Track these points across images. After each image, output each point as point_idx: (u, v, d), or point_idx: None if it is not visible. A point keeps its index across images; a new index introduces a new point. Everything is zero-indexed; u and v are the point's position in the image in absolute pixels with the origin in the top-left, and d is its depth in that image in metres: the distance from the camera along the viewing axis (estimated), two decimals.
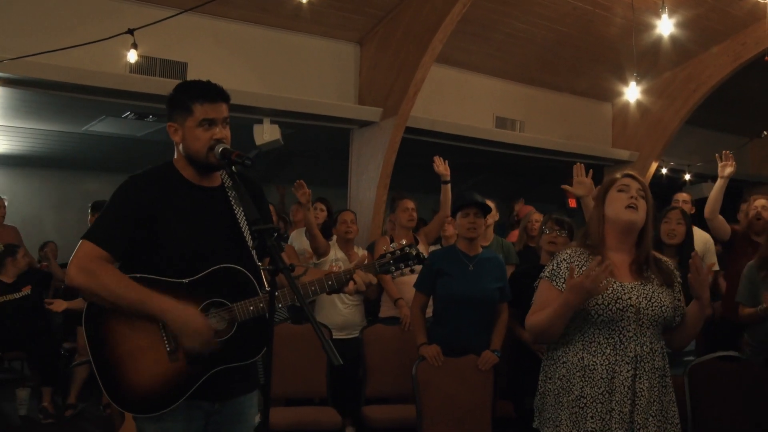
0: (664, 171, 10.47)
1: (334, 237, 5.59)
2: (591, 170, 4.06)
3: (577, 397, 2.69)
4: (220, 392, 2.48)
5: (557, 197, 14.01)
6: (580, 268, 2.74)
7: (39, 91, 6.47)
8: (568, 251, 2.86)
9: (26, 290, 6.28)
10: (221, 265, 2.44)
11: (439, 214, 5.57)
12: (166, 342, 2.38)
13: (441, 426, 4.06)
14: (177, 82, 6.90)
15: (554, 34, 8.28)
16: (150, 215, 2.42)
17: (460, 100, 8.92)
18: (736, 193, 6.06)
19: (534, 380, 4.07)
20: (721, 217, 5.19)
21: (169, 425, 2.41)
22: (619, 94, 9.77)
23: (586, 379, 2.69)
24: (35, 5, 6.27)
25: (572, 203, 14.23)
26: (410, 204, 5.56)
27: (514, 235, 7.12)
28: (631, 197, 2.77)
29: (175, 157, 2.59)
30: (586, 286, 2.54)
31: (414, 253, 2.61)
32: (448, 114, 8.65)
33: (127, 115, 7.78)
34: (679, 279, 2.85)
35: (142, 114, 7.68)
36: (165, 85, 6.50)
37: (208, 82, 2.52)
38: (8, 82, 5.97)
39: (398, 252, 2.60)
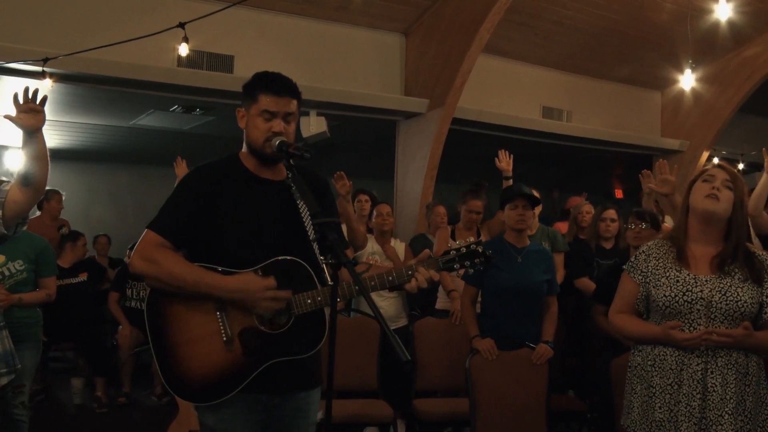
0: (715, 160, 10.22)
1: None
2: (676, 166, 3.95)
3: (648, 386, 2.70)
4: (279, 386, 2.47)
5: (602, 187, 13.84)
6: (657, 260, 2.77)
7: (90, 86, 6.57)
8: (649, 243, 2.88)
9: (83, 276, 6.36)
10: (280, 257, 2.43)
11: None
12: (222, 331, 2.38)
13: (495, 420, 4.01)
14: (224, 75, 7.00)
15: (602, 21, 8.12)
16: (210, 205, 2.44)
17: (506, 91, 8.83)
18: None
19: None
20: (765, 213, 5.01)
21: (227, 417, 2.42)
22: (669, 81, 9.56)
23: (656, 368, 2.69)
24: (85, 1, 6.36)
25: (619, 194, 14.04)
26: (477, 205, 5.39)
27: (560, 226, 6.99)
28: (713, 187, 2.71)
29: (243, 148, 2.60)
30: (679, 344, 2.62)
31: (481, 250, 2.53)
32: (493, 104, 8.57)
33: (174, 109, 7.86)
34: None
35: (190, 107, 7.76)
36: (212, 79, 6.66)
37: (279, 75, 2.53)
38: (61, 78, 6.07)
39: (464, 249, 2.53)
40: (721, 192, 2.70)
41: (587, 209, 6.05)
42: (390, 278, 2.46)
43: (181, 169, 5.32)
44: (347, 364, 4.77)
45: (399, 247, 5.58)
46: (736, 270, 2.69)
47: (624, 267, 2.91)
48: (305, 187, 2.44)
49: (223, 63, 6.97)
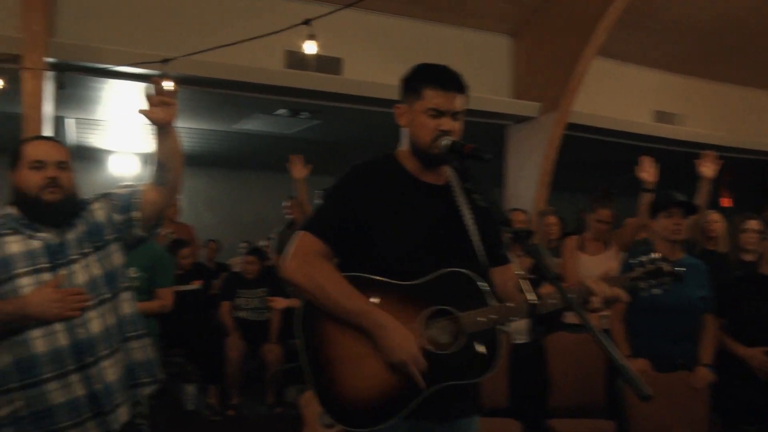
0: None
1: None
2: None
3: None
4: (444, 412, 2.25)
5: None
6: None
7: (201, 89, 6.57)
8: None
9: (197, 284, 6.26)
10: (449, 269, 2.21)
11: (636, 220, 5.16)
12: None
13: None
14: (333, 77, 6.89)
15: (722, 19, 7.67)
16: (370, 209, 2.24)
17: (617, 94, 8.54)
18: None
19: (748, 401, 3.75)
20: None
21: None
22: None
23: None
24: (193, 5, 6.38)
25: (726, 202, 13.38)
26: (605, 215, 5.11)
27: None
28: None
29: (401, 147, 2.39)
30: None
31: (666, 269, 2.24)
32: (603, 108, 8.26)
33: (280, 112, 7.80)
34: None
35: (296, 110, 7.68)
36: (320, 81, 6.54)
37: (446, 68, 2.31)
38: (177, 82, 6.04)
39: (650, 266, 2.24)
40: None
41: (715, 218, 5.67)
42: (571, 296, 2.21)
43: (298, 169, 5.17)
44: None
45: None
46: None
47: None
48: (488, 193, 2.23)
49: (331, 65, 6.86)
